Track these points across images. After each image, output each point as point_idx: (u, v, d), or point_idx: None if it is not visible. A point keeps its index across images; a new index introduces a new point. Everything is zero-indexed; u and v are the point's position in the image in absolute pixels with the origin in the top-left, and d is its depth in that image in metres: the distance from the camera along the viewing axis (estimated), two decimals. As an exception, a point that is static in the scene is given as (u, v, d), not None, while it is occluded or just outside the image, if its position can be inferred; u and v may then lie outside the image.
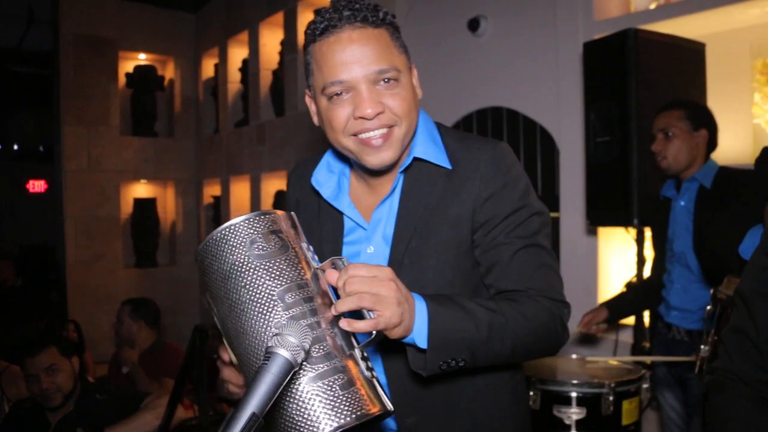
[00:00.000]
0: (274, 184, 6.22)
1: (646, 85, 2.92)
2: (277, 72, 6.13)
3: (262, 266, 1.07)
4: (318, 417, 1.01)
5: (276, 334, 0.94)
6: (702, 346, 2.14)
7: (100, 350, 5.93)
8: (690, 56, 3.12)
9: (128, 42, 7.18)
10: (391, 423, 1.44)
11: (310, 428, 1.01)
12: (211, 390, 4.43)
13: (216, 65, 7.29)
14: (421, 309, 1.18)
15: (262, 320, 1.05)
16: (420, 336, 1.18)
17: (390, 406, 1.09)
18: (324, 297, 1.11)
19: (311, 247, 1.19)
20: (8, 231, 13.93)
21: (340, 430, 1.00)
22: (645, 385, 2.71)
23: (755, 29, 3.22)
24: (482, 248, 1.36)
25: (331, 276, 1.12)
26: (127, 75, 7.41)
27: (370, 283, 1.09)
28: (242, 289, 1.07)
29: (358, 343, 1.12)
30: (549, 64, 3.80)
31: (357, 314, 1.11)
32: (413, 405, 1.40)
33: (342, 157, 1.47)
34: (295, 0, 5.55)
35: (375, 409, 1.05)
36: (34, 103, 11.54)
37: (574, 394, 2.58)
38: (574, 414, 2.57)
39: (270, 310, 1.05)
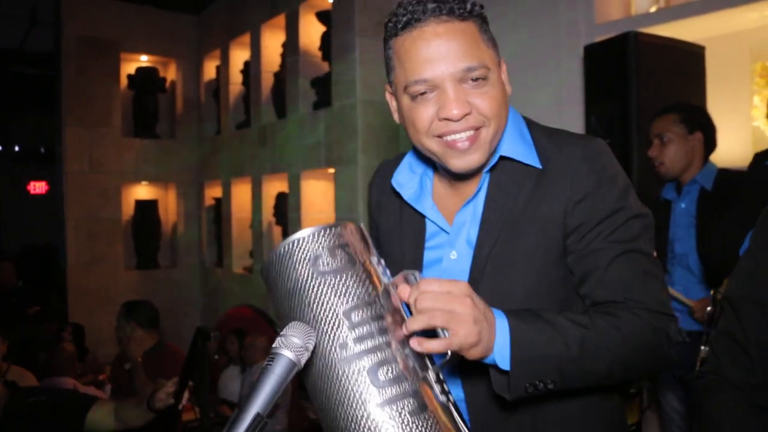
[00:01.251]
0: (275, 186, 6.23)
1: (647, 87, 2.93)
2: (278, 74, 6.14)
3: (327, 283, 1.02)
4: None
5: (282, 335, 0.94)
6: (702, 347, 2.16)
7: (102, 352, 5.95)
8: (690, 59, 3.13)
9: (130, 43, 7.20)
10: None
11: None
12: (212, 392, 4.43)
13: (218, 67, 7.31)
14: (502, 326, 1.07)
15: (326, 340, 1.00)
16: (502, 356, 1.07)
17: None
18: (395, 314, 1.04)
19: (383, 261, 1.12)
20: (9, 232, 13.95)
21: None
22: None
23: (754, 32, 3.24)
24: (576, 255, 1.23)
25: (404, 292, 1.05)
26: (129, 76, 7.43)
27: (444, 300, 1.00)
28: (306, 308, 1.02)
29: (432, 365, 1.05)
30: (550, 66, 3.81)
31: (431, 333, 1.02)
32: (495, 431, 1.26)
33: (425, 157, 1.35)
34: (297, 2, 5.57)
35: None
36: (36, 104, 11.55)
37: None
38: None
39: (335, 329, 0.99)
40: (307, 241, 1.04)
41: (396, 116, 1.33)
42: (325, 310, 1.00)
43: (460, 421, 1.02)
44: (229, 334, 5.15)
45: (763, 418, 1.24)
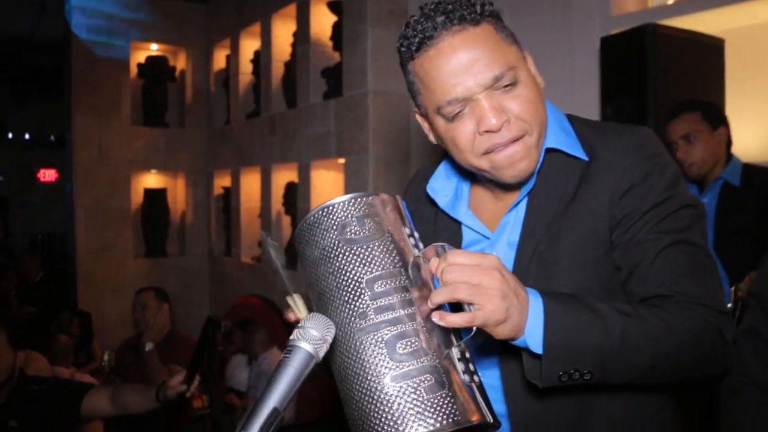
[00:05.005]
0: (284, 176, 6.21)
1: (665, 81, 2.88)
2: (289, 63, 6.11)
3: (353, 251, 0.99)
4: (399, 420, 0.91)
5: (300, 327, 0.92)
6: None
7: (108, 340, 5.95)
8: (709, 52, 3.08)
9: (140, 32, 7.19)
10: None
11: (392, 431, 0.91)
12: (219, 380, 4.42)
13: (228, 56, 7.28)
14: (536, 306, 0.99)
15: (346, 309, 0.97)
16: (534, 339, 0.99)
17: (490, 417, 0.95)
18: (423, 288, 1.00)
19: (416, 234, 1.08)
20: (19, 220, 14.04)
21: None
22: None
23: (775, 25, 3.19)
24: (622, 248, 1.14)
25: (434, 264, 1.00)
26: (139, 65, 7.41)
27: (471, 273, 0.94)
28: (330, 276, 1.00)
29: (458, 341, 1.00)
30: (565, 59, 3.76)
31: (460, 308, 0.97)
32: (533, 425, 1.18)
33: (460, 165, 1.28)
34: (308, -8, 5.53)
35: (472, 417, 0.93)
36: (46, 92, 11.59)
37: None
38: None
39: (356, 298, 0.97)
40: (337, 208, 1.03)
41: (431, 137, 1.27)
42: (348, 279, 0.98)
43: (483, 403, 0.96)
44: (235, 326, 5.15)
45: None
